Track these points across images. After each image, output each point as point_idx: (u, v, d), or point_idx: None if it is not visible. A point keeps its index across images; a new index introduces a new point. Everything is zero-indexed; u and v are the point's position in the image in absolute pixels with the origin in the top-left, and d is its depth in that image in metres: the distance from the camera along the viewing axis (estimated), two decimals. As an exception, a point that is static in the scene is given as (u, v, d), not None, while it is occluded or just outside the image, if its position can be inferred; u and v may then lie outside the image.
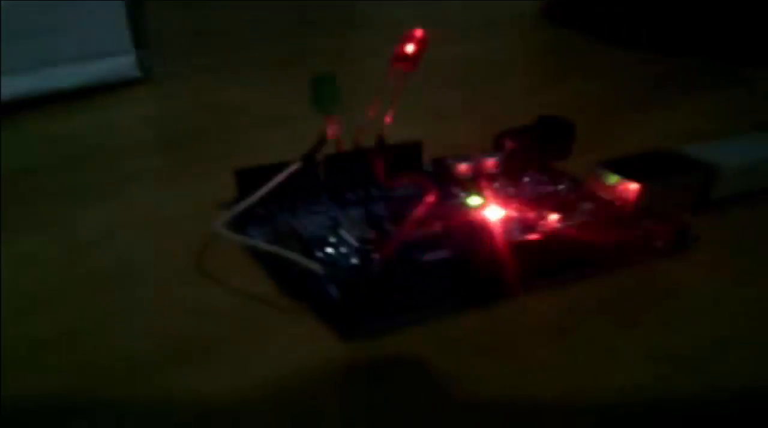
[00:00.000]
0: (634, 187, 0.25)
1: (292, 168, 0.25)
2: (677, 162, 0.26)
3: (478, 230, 0.23)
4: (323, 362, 0.19)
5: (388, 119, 0.27)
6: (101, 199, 0.28)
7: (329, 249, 0.23)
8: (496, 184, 0.27)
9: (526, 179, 0.28)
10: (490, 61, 0.46)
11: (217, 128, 0.35)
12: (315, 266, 0.21)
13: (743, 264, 0.23)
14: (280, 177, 0.25)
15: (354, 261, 0.22)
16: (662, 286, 0.22)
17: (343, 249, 0.23)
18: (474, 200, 0.26)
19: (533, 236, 0.23)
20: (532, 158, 0.29)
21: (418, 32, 0.26)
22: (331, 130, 0.26)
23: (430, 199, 0.22)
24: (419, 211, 0.22)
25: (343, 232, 0.24)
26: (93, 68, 0.38)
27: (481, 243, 0.23)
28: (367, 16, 0.59)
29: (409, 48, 0.26)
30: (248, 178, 0.25)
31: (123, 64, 0.39)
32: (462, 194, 0.26)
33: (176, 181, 0.29)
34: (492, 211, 0.25)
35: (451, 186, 0.27)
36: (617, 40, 0.48)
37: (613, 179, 0.25)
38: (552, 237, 0.23)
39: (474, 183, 0.27)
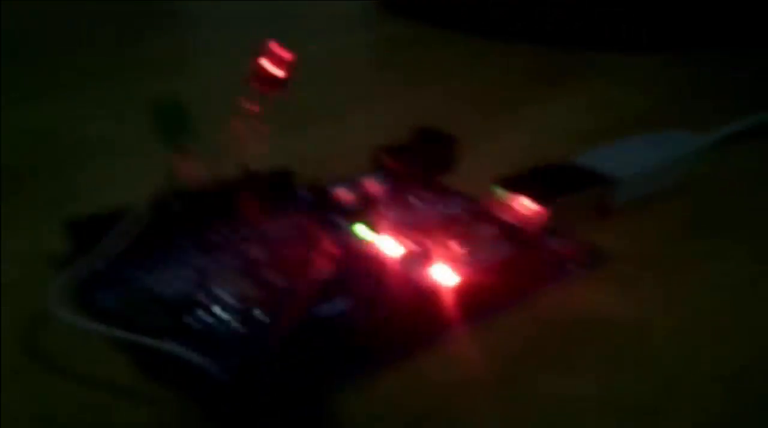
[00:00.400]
0: (536, 207, 0.22)
1: (135, 216, 0.20)
2: (574, 174, 0.24)
3: (379, 273, 0.20)
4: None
5: (254, 147, 0.23)
6: None
7: (201, 313, 0.19)
8: (381, 209, 0.24)
9: (414, 200, 0.25)
10: (340, 62, 0.42)
11: (40, 162, 0.29)
12: (195, 358, 0.16)
13: (660, 277, 0.22)
14: (121, 228, 0.20)
15: (235, 326, 0.18)
16: (585, 316, 0.20)
17: (218, 311, 0.19)
18: (362, 230, 0.22)
19: (448, 277, 0.20)
20: (416, 176, 0.26)
21: (287, 55, 0.22)
22: (185, 168, 0.21)
23: (332, 250, 0.18)
24: (318, 265, 0.18)
25: (216, 288, 0.19)
26: None
27: (386, 288, 0.19)
28: (193, 15, 0.54)
29: (279, 73, 0.22)
30: (84, 231, 0.21)
31: None
32: (345, 223, 0.23)
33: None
34: (389, 247, 0.21)
35: (330, 214, 0.24)
36: (463, 28, 0.46)
37: (510, 198, 0.23)
38: (471, 280, 0.20)
39: (361, 213, 0.23)
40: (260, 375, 0.16)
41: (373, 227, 0.22)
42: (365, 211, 0.23)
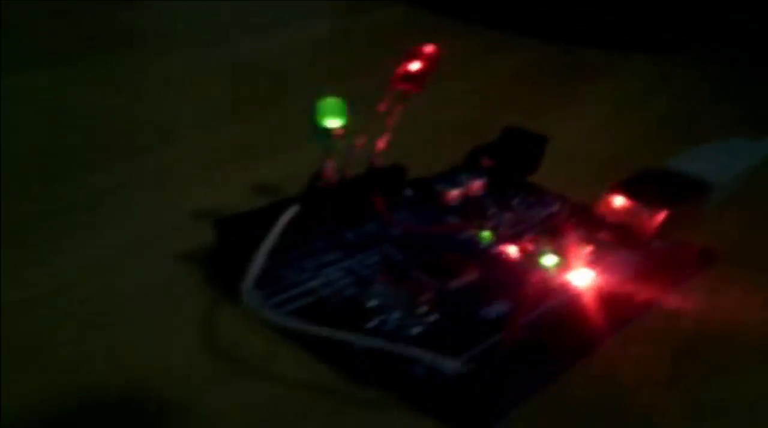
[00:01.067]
0: (659, 215, 0.23)
1: (292, 211, 0.20)
2: (674, 180, 0.25)
3: (523, 276, 0.21)
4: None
5: (381, 145, 0.23)
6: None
7: (375, 319, 0.19)
8: (491, 211, 0.25)
9: (515, 201, 0.26)
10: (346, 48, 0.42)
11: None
12: (447, 364, 0.17)
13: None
14: (281, 223, 0.20)
15: (417, 329, 0.18)
16: (716, 317, 0.21)
17: (393, 316, 0.19)
18: (485, 236, 0.23)
19: (587, 278, 0.21)
20: (514, 176, 0.27)
21: (428, 48, 0.23)
22: (329, 168, 0.21)
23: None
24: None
25: (378, 291, 0.20)
26: None
27: (539, 290, 0.20)
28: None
29: (414, 66, 0.22)
30: (230, 228, 0.20)
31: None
32: (472, 231, 0.23)
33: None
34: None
35: (437, 211, 0.24)
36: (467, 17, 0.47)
37: (623, 203, 0.24)
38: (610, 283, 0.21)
39: (470, 214, 0.24)
40: (492, 371, 0.17)
41: (496, 230, 0.23)
42: (470, 211, 0.24)
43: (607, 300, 0.20)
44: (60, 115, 0.30)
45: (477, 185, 0.25)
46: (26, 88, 0.32)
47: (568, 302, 0.20)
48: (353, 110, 0.21)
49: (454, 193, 0.25)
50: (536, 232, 0.23)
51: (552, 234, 0.23)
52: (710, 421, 0.17)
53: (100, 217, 0.23)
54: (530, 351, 0.18)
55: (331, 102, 0.21)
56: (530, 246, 0.22)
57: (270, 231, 0.20)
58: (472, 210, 0.24)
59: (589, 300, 0.20)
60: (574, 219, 0.24)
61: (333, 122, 0.21)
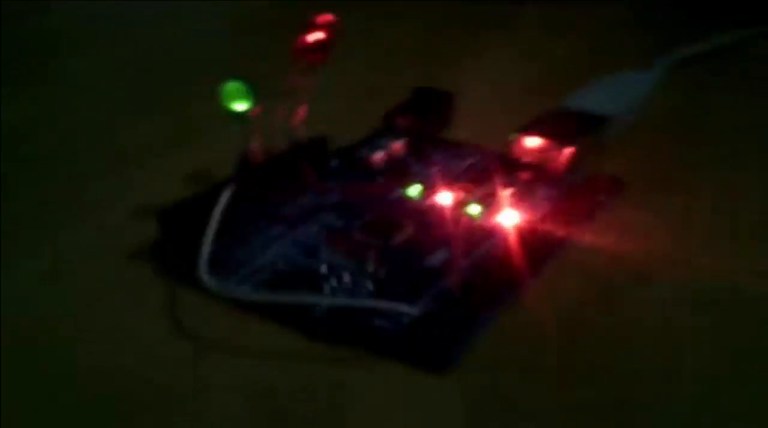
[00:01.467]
0: (568, 150, 0.25)
1: (228, 193, 0.21)
2: (576, 117, 0.27)
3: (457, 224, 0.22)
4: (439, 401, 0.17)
5: (300, 117, 0.24)
6: None
7: (334, 283, 0.20)
8: (415, 169, 0.26)
9: (436, 156, 0.27)
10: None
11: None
12: (404, 308, 0.18)
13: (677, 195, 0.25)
14: (220, 205, 0.21)
15: (369, 286, 0.20)
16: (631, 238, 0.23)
17: (347, 278, 0.20)
18: (414, 190, 0.24)
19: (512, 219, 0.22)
20: (429, 132, 0.28)
21: (326, 17, 0.23)
22: (254, 148, 0.22)
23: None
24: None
25: (328, 257, 0.21)
26: None
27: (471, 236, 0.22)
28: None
29: (317, 36, 0.23)
30: (173, 218, 0.21)
31: None
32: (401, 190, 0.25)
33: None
34: (446, 199, 0.23)
35: (364, 176, 0.25)
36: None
37: (533, 143, 0.26)
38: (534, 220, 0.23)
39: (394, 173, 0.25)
40: (444, 313, 0.18)
41: (424, 185, 0.24)
42: (396, 172, 0.25)
43: (534, 236, 0.22)
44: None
45: (398, 146, 0.27)
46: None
47: (498, 243, 0.22)
48: (266, 89, 0.22)
49: (378, 156, 0.26)
50: (461, 182, 0.25)
51: (475, 182, 0.25)
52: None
53: (44, 225, 0.23)
54: (472, 292, 0.19)
55: (232, 86, 0.22)
56: (458, 195, 0.24)
57: (211, 215, 0.20)
58: (397, 170, 0.26)
59: (516, 238, 0.22)
60: (493, 165, 0.26)
61: (240, 105, 0.22)
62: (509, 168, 0.26)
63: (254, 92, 0.22)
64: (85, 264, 0.21)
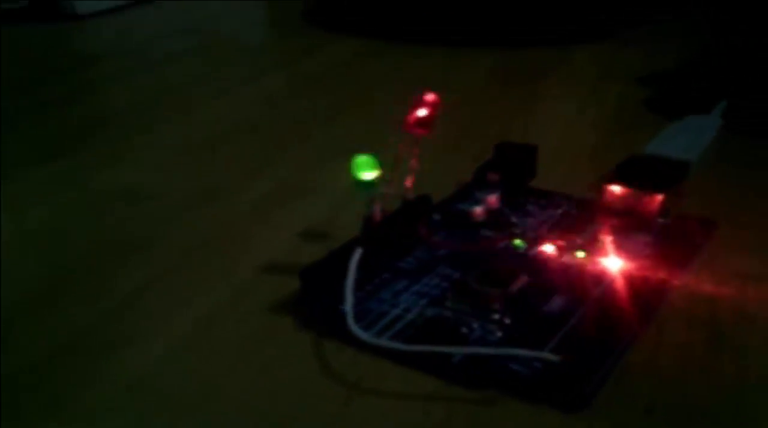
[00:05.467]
0: (659, 197, 0.27)
1: (358, 254, 0.23)
2: (660, 164, 0.29)
3: (569, 272, 0.24)
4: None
5: (409, 183, 0.26)
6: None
7: (465, 329, 0.22)
8: (513, 219, 0.28)
9: (530, 206, 0.29)
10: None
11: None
12: (550, 356, 0.20)
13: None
14: (354, 261, 0.23)
15: (498, 333, 0.21)
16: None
17: (476, 324, 0.22)
18: (518, 243, 0.26)
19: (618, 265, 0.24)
20: (519, 185, 0.30)
21: (430, 97, 0.26)
22: (377, 211, 0.24)
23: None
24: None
25: (455, 305, 0.23)
26: None
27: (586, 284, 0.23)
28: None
29: (422, 112, 0.26)
30: (313, 275, 0.23)
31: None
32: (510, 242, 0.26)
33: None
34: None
35: (468, 228, 0.27)
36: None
37: (624, 192, 0.27)
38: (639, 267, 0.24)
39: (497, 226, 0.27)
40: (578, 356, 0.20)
41: (524, 239, 0.26)
42: (497, 223, 0.27)
43: (640, 280, 0.24)
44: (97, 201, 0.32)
45: (493, 199, 0.29)
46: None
47: (608, 288, 0.23)
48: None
49: (479, 210, 0.28)
50: (558, 230, 0.27)
51: (572, 230, 0.27)
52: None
53: (177, 289, 0.25)
54: (603, 335, 0.21)
55: (363, 159, 0.24)
56: (560, 243, 0.26)
57: (348, 271, 0.22)
58: (499, 221, 0.28)
59: (625, 283, 0.24)
60: (585, 213, 0.28)
61: (369, 175, 0.24)
62: (602, 215, 0.27)
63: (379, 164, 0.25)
64: (228, 320, 0.23)
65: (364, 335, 0.20)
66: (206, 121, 0.41)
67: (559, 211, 0.28)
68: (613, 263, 0.24)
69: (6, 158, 0.36)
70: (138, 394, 0.20)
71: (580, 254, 0.25)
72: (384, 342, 0.21)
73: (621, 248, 0.25)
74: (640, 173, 0.28)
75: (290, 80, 0.48)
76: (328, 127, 0.39)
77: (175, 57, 0.53)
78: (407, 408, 0.19)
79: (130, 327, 0.23)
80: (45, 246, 0.28)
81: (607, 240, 0.26)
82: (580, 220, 0.27)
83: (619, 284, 0.23)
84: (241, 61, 0.53)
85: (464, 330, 0.22)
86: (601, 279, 0.24)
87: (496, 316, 0.22)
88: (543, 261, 0.25)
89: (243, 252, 0.27)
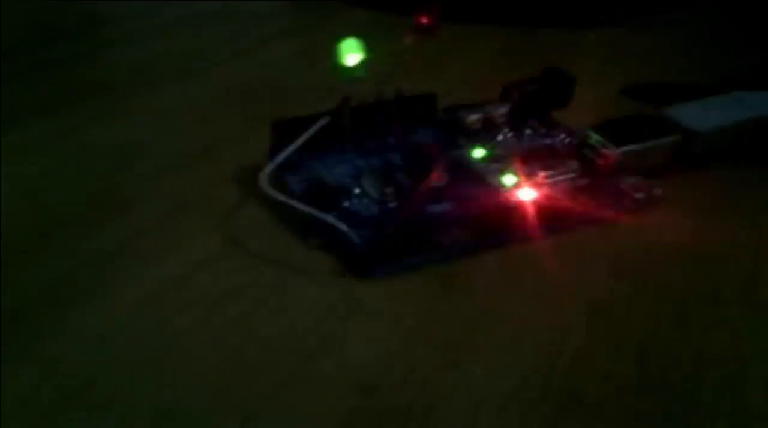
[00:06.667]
0: (611, 151, 0.29)
1: (322, 122, 0.29)
2: (657, 125, 0.30)
3: (478, 187, 0.28)
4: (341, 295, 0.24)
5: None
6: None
7: (354, 200, 0.27)
8: (500, 136, 0.31)
9: (528, 131, 0.32)
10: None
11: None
12: (341, 225, 0.25)
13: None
14: (311, 130, 0.29)
15: (372, 211, 0.27)
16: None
17: (365, 201, 0.27)
18: (478, 152, 0.30)
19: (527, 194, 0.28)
20: (536, 108, 0.33)
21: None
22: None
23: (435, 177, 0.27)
24: (430, 180, 0.27)
25: (365, 184, 0.28)
26: None
27: (480, 197, 0.27)
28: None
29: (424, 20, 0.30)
30: (282, 129, 0.29)
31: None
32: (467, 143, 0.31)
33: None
34: (491, 169, 0.29)
35: (459, 137, 0.31)
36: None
37: (596, 141, 0.29)
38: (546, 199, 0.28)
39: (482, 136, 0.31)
40: (378, 242, 0.25)
41: (489, 150, 0.30)
42: (486, 135, 0.31)
43: (539, 210, 0.27)
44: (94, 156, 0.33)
45: (497, 113, 0.32)
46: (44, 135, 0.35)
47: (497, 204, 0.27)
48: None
49: (474, 118, 0.31)
50: (525, 155, 0.30)
51: (536, 158, 0.29)
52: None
53: (152, 246, 0.27)
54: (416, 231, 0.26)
55: (349, 42, 0.29)
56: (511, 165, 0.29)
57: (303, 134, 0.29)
58: (484, 133, 0.31)
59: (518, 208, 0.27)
60: (563, 149, 0.30)
61: (353, 58, 0.29)
62: (569, 155, 0.30)
63: (366, 47, 0.29)
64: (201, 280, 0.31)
65: (263, 180, 0.27)
66: (209, 86, 0.41)
67: (547, 142, 0.31)
68: (526, 193, 0.28)
69: (6, 113, 0.37)
70: (109, 344, 0.22)
71: (508, 179, 0.28)
72: (268, 190, 0.27)
73: (555, 186, 0.28)
74: (624, 128, 0.30)
75: (300, 48, 0.47)
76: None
77: (186, 21, 0.52)
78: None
79: (103, 280, 0.25)
80: (33, 198, 0.30)
81: (543, 174, 0.28)
82: (552, 155, 0.30)
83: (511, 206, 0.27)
84: (252, 28, 0.51)
85: (354, 201, 0.27)
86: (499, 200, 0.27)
87: (387, 199, 0.27)
88: (470, 172, 0.29)
89: (222, 216, 0.28)
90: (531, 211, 0.27)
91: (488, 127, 0.32)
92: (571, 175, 0.29)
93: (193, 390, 0.20)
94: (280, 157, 0.28)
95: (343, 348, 0.22)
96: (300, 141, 0.29)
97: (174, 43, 0.48)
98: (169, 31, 0.50)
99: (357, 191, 0.28)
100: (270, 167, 0.28)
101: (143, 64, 0.44)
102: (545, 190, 0.28)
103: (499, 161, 0.29)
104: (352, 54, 0.29)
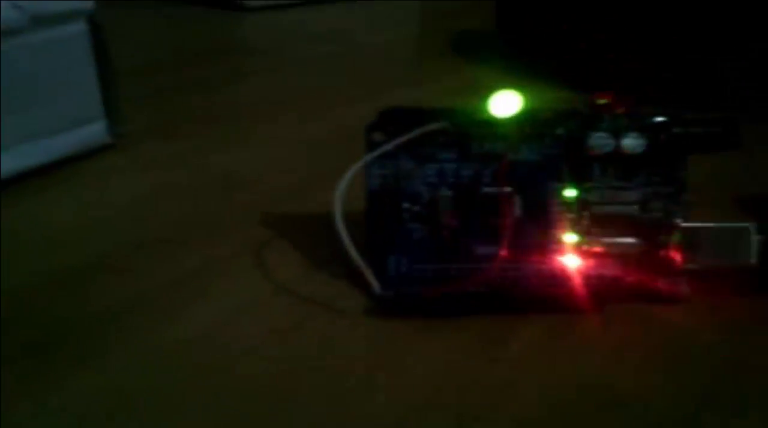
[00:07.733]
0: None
1: (436, 126, 0.28)
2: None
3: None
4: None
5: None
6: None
7: (416, 208, 0.28)
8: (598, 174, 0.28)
9: (640, 177, 0.28)
10: None
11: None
12: (374, 280, 0.27)
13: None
14: (421, 129, 0.28)
15: (417, 235, 0.28)
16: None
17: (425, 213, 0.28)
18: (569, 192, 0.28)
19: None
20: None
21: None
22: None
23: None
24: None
25: (438, 197, 0.28)
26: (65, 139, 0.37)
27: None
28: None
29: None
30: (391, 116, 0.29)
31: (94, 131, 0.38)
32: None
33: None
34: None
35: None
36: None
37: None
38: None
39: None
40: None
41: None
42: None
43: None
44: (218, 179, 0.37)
45: (633, 146, 0.27)
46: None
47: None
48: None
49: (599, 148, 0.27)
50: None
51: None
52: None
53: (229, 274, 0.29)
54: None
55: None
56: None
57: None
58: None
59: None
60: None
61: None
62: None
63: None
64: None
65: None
66: (324, 124, 0.43)
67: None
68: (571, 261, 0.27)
69: (133, 129, 0.40)
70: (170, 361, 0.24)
71: (570, 237, 0.27)
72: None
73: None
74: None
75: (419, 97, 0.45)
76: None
77: (320, 60, 0.56)
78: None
79: (169, 305, 0.27)
80: (134, 217, 0.33)
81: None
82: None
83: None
84: (381, 73, 0.54)
85: (408, 214, 0.28)
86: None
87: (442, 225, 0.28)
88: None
89: (312, 246, 0.30)
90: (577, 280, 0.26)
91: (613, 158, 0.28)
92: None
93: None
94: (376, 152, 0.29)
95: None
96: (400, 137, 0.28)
97: (311, 80, 0.52)
98: (312, 68, 0.55)
99: (426, 199, 0.28)
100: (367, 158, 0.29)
101: (269, 96, 0.48)
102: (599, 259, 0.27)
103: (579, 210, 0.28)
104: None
